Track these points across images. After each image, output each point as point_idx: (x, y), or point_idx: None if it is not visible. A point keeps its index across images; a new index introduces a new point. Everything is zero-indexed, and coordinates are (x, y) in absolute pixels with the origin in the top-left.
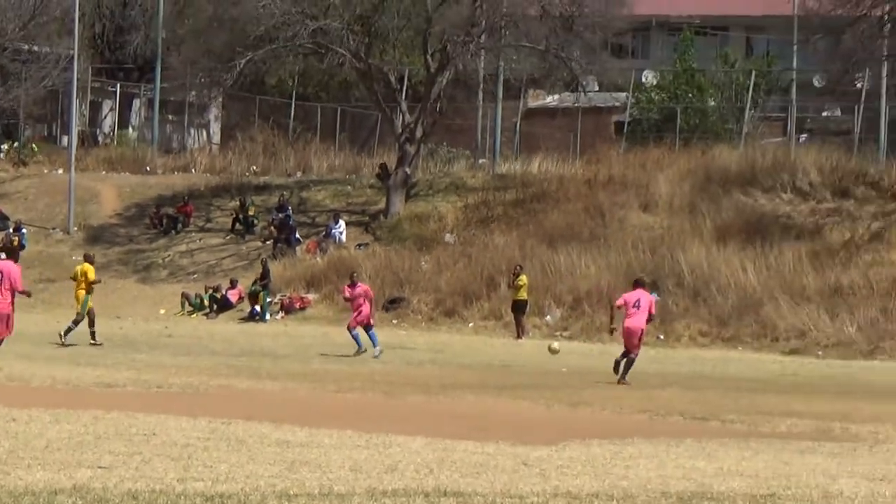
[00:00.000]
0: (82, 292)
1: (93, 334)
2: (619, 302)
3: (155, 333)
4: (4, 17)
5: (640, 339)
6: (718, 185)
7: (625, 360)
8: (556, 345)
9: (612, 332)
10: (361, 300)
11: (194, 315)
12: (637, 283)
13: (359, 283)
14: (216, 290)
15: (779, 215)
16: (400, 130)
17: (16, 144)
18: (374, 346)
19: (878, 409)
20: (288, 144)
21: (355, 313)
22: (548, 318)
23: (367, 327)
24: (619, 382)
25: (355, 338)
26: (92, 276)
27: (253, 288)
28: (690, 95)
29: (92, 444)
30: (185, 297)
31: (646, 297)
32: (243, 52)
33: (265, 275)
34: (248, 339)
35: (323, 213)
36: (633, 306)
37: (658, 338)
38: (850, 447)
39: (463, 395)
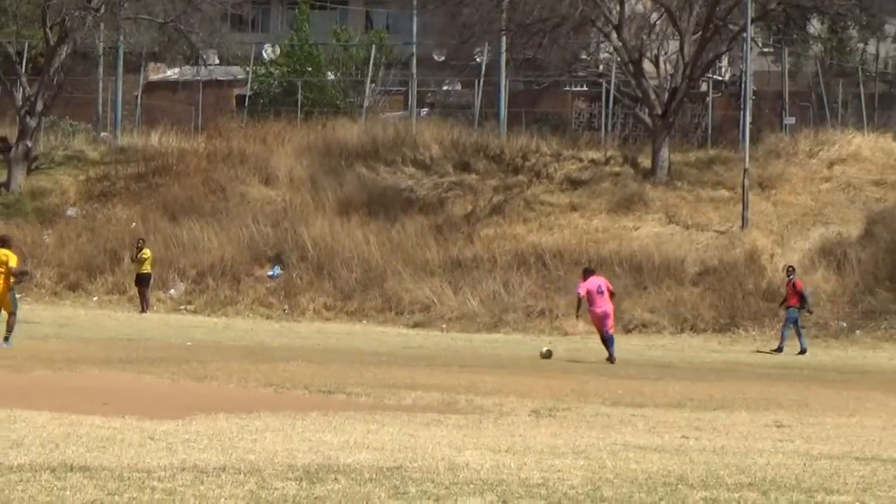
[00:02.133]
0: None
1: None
2: (583, 292)
3: None
4: None
5: (611, 319)
6: (340, 158)
7: (605, 341)
8: (545, 349)
9: (578, 318)
10: None
11: None
12: (588, 272)
13: None
14: None
15: (401, 189)
16: (20, 103)
17: None
18: None
19: (501, 382)
20: None
21: None
22: (172, 291)
23: None
24: (610, 360)
25: None
26: (14, 263)
27: None
28: (309, 69)
29: None
30: None
31: (603, 282)
32: None
33: None
34: None
35: None
36: (598, 293)
37: (283, 311)
38: (475, 419)
39: (88, 369)
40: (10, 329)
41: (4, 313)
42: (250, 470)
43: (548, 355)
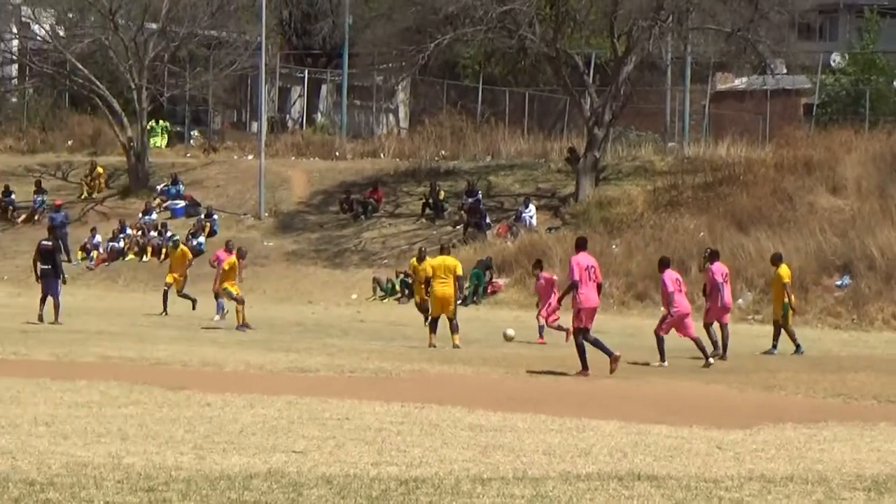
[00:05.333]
0: None
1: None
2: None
3: (347, 318)
4: (193, 5)
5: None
6: None
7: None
8: (510, 332)
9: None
10: (548, 289)
11: (386, 300)
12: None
13: (542, 273)
14: (407, 275)
15: None
16: (588, 114)
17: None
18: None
19: None
20: (476, 129)
21: (545, 306)
22: (740, 301)
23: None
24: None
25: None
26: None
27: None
28: (874, 78)
29: (286, 429)
30: (376, 282)
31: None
32: (432, 36)
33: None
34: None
35: (511, 198)
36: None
37: (852, 320)
38: None
39: (655, 378)
40: None
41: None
42: (818, 480)
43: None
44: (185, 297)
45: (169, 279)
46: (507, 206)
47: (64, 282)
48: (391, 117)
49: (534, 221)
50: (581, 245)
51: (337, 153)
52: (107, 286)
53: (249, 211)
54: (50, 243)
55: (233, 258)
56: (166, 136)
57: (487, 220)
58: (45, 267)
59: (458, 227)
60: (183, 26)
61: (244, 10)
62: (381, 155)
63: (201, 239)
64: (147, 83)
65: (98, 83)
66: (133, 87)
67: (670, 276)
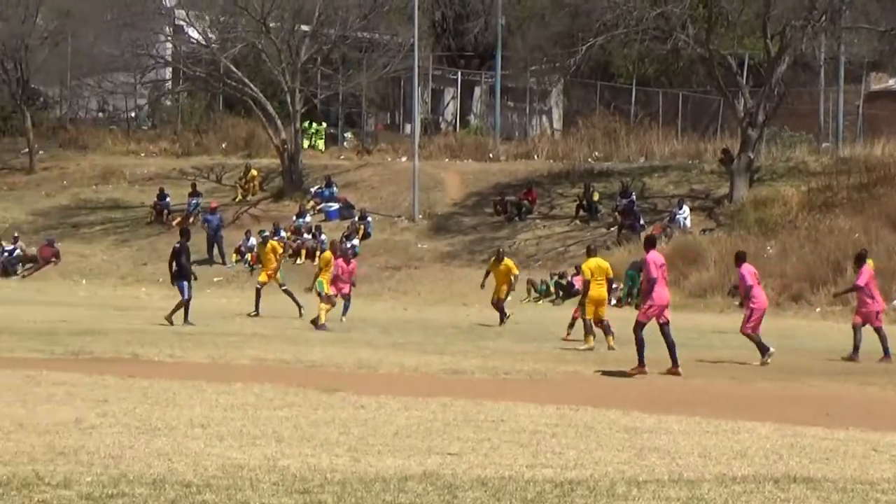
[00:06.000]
0: None
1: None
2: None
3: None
4: (345, 8)
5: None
6: None
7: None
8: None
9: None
10: None
11: (540, 301)
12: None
13: None
14: (562, 276)
15: None
16: (742, 115)
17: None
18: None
19: None
20: (629, 130)
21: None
22: (894, 303)
23: None
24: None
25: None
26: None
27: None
28: None
29: (441, 431)
30: (530, 283)
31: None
32: (586, 38)
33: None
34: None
35: (665, 199)
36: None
37: None
38: None
39: (810, 380)
40: None
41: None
42: None
43: None
44: (289, 294)
45: (262, 277)
46: (660, 208)
47: (187, 281)
48: (544, 119)
49: (688, 223)
50: (651, 243)
51: (490, 155)
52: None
53: (403, 213)
54: (178, 245)
55: (328, 254)
56: (322, 138)
57: (641, 222)
58: (175, 269)
59: (611, 228)
60: (335, 28)
61: (396, 12)
62: (535, 156)
63: (355, 241)
64: (300, 85)
65: (251, 86)
66: (286, 89)
67: (749, 269)
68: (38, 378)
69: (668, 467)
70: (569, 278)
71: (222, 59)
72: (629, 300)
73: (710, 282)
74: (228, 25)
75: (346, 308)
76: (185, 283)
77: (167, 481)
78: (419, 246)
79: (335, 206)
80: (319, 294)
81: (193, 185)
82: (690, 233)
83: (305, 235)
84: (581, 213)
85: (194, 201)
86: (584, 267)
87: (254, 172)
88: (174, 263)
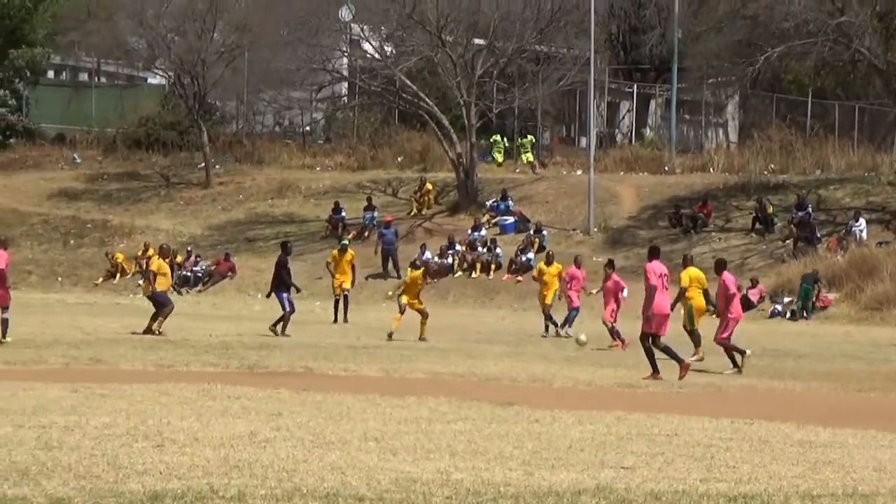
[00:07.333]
0: None
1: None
2: None
3: (678, 333)
4: (522, 21)
5: None
6: None
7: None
8: (582, 337)
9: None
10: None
11: (714, 315)
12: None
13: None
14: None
15: None
16: None
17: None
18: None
19: None
20: (805, 143)
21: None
22: None
23: None
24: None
25: None
26: None
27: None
28: None
29: (615, 445)
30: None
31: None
32: (762, 49)
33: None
34: (769, 339)
35: (841, 212)
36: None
37: None
38: None
39: None
40: None
41: None
42: None
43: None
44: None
45: (337, 285)
46: (838, 220)
47: (286, 293)
48: (720, 131)
49: (864, 235)
50: (654, 253)
51: (666, 168)
52: (436, 302)
53: (578, 226)
54: (283, 258)
55: (416, 272)
56: (502, 151)
57: (818, 234)
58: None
59: (787, 241)
60: (511, 42)
61: (573, 26)
62: (711, 169)
63: (530, 255)
64: (476, 99)
65: (427, 99)
66: (462, 103)
67: (730, 278)
68: (213, 392)
69: (843, 481)
70: (744, 291)
71: (397, 72)
72: (804, 314)
73: (885, 294)
74: (404, 39)
75: (570, 319)
76: (285, 294)
77: (340, 495)
78: (594, 259)
79: (511, 219)
80: (400, 307)
81: (369, 199)
82: (866, 245)
83: (480, 249)
84: (757, 225)
85: (369, 215)
86: (682, 275)
87: (429, 186)
88: (275, 277)
